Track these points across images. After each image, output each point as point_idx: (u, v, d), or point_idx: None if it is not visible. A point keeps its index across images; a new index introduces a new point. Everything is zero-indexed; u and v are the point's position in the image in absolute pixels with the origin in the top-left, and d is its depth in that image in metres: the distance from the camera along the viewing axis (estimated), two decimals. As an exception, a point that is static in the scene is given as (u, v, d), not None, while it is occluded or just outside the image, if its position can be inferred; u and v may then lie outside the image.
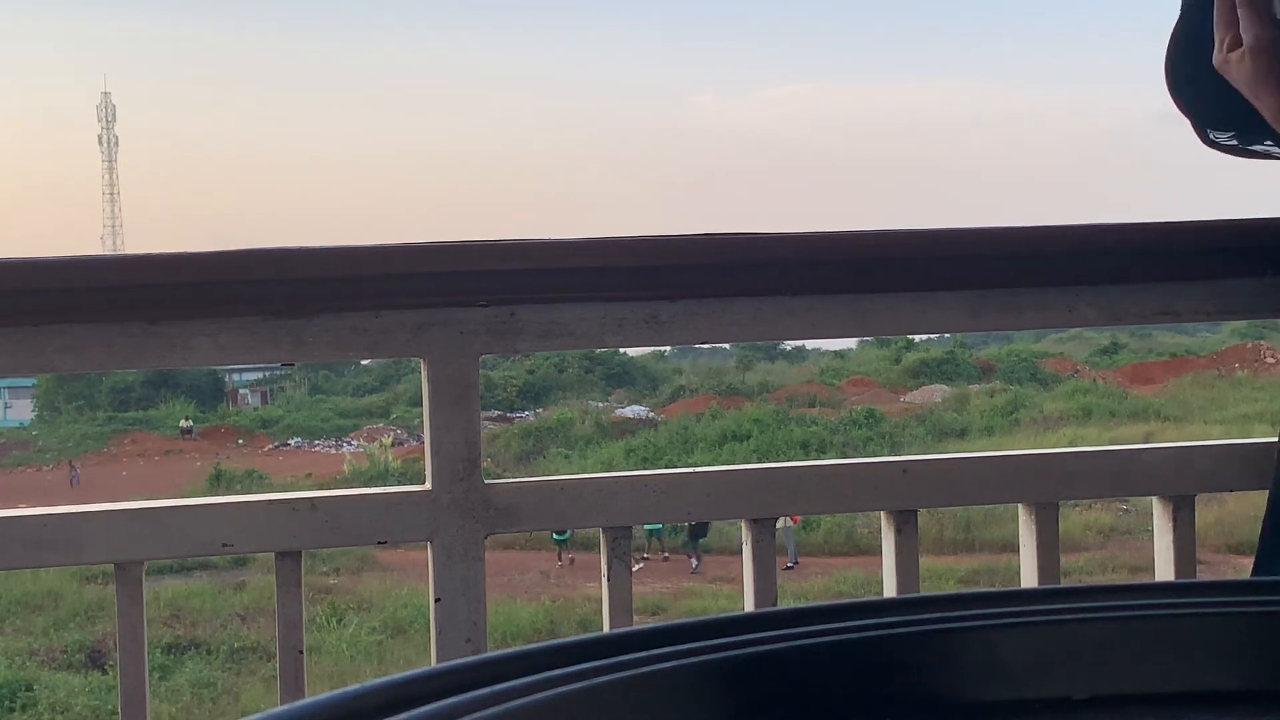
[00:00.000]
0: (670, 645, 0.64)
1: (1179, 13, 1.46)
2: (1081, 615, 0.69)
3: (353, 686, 0.58)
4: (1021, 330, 1.69)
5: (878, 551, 1.75)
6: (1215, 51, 1.37)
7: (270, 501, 1.55)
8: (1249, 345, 33.35)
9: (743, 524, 1.64)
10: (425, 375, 1.55)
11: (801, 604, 0.72)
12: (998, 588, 1.48)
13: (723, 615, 0.68)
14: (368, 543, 1.59)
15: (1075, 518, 17.36)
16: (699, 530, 18.11)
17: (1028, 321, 1.69)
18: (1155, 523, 1.75)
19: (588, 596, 15.62)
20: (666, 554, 19.14)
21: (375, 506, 1.55)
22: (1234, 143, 1.48)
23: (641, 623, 0.87)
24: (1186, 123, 1.61)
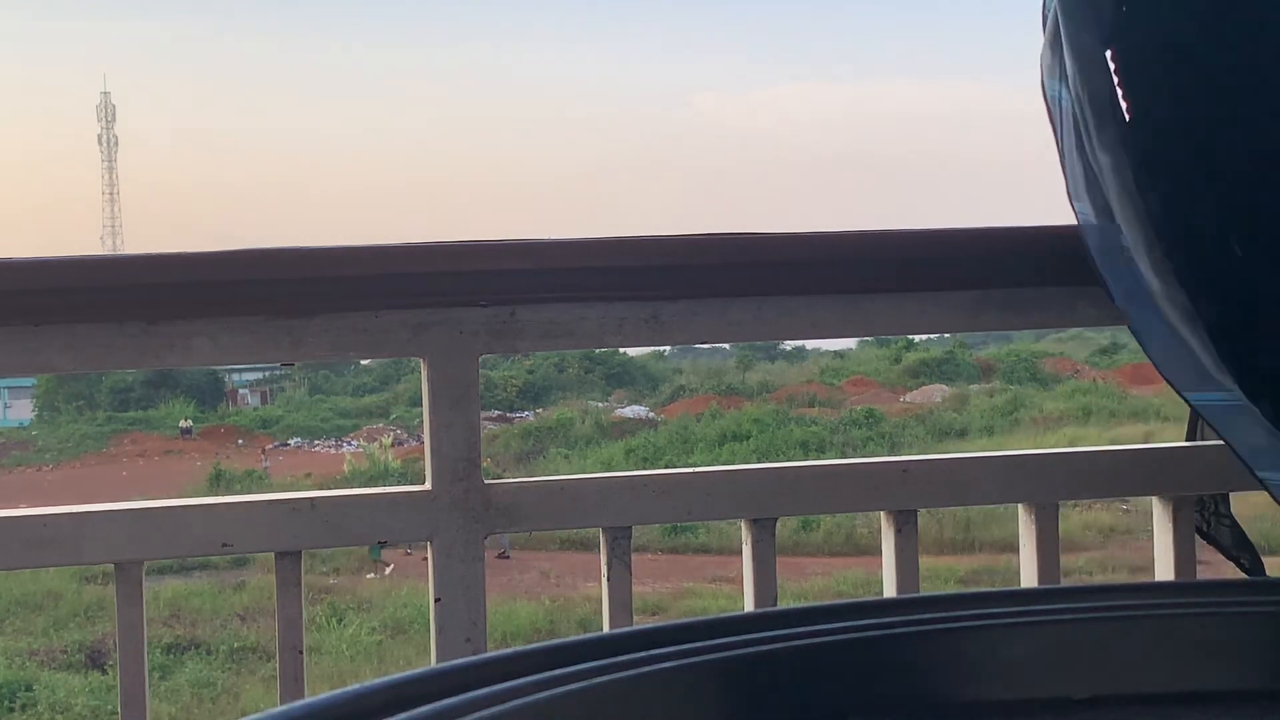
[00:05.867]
0: (670, 645, 0.64)
1: None
2: (1081, 615, 0.69)
3: (353, 686, 0.58)
4: (1021, 330, 1.69)
5: (878, 551, 1.75)
6: None
7: (270, 501, 1.55)
8: (1249, 345, 33.14)
9: (743, 524, 1.64)
10: (425, 375, 1.55)
11: (801, 604, 0.72)
12: (998, 588, 1.47)
13: (723, 615, 0.68)
14: (368, 543, 1.59)
15: (1075, 518, 17.35)
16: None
17: (1028, 321, 1.69)
18: (1155, 523, 1.75)
19: (588, 596, 15.61)
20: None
21: (375, 506, 1.55)
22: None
23: (641, 623, 0.87)
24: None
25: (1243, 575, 1.69)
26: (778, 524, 1.65)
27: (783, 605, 1.49)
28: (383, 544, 1.52)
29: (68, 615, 15.03)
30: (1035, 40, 1.57)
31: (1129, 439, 20.09)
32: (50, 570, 12.07)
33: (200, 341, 1.50)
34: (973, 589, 1.35)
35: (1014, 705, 0.67)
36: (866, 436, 26.49)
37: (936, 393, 32.50)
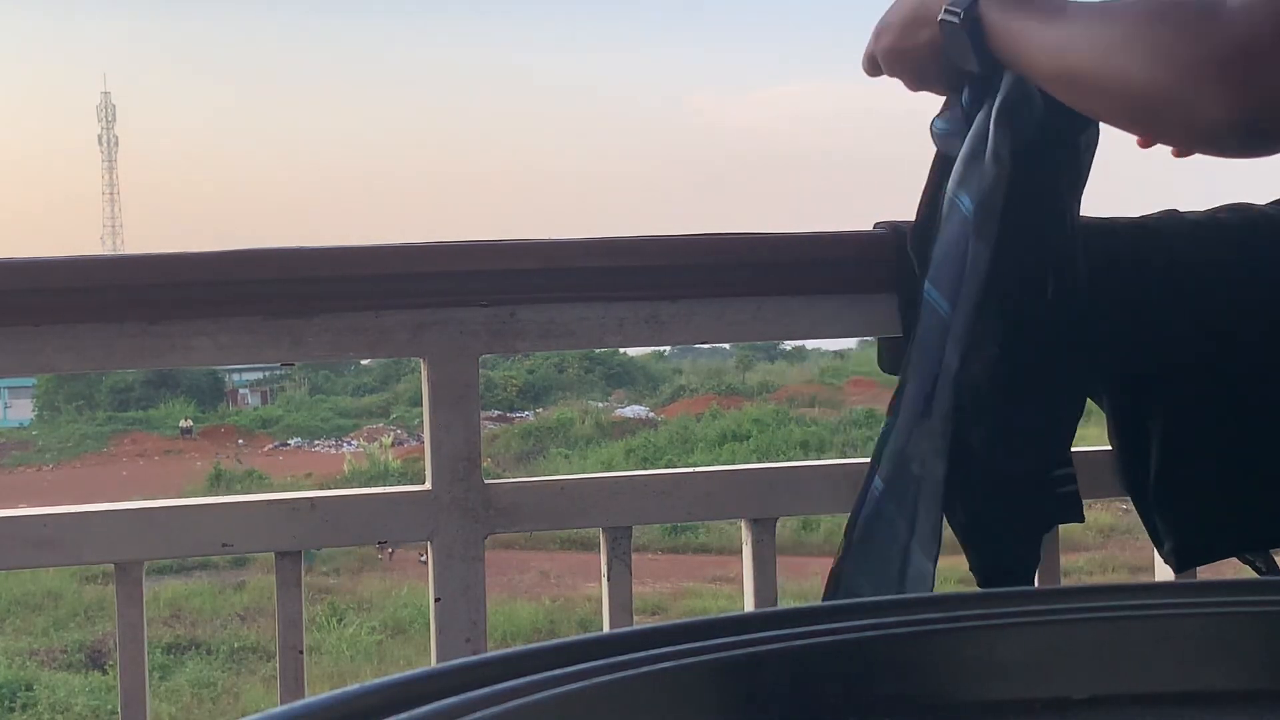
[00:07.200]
0: (670, 645, 0.64)
1: None
2: (1081, 615, 0.69)
3: (353, 686, 0.58)
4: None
5: (878, 551, 1.74)
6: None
7: (270, 501, 1.55)
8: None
9: (743, 524, 1.64)
10: (425, 375, 1.55)
11: (801, 604, 0.72)
12: (998, 588, 1.47)
13: (723, 615, 0.68)
14: (368, 542, 1.59)
15: (1075, 518, 17.29)
16: None
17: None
18: (1155, 523, 1.74)
19: (588, 596, 15.60)
20: None
21: (375, 506, 1.55)
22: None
23: (642, 623, 0.87)
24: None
25: (1243, 575, 1.68)
26: (778, 524, 1.65)
27: (782, 605, 1.49)
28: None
29: (68, 615, 15.02)
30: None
31: (1129, 439, 19.92)
32: (50, 570, 12.07)
33: (200, 341, 1.50)
34: (973, 589, 1.35)
35: (1014, 705, 0.67)
36: (866, 436, 26.42)
37: (936, 393, 32.36)
